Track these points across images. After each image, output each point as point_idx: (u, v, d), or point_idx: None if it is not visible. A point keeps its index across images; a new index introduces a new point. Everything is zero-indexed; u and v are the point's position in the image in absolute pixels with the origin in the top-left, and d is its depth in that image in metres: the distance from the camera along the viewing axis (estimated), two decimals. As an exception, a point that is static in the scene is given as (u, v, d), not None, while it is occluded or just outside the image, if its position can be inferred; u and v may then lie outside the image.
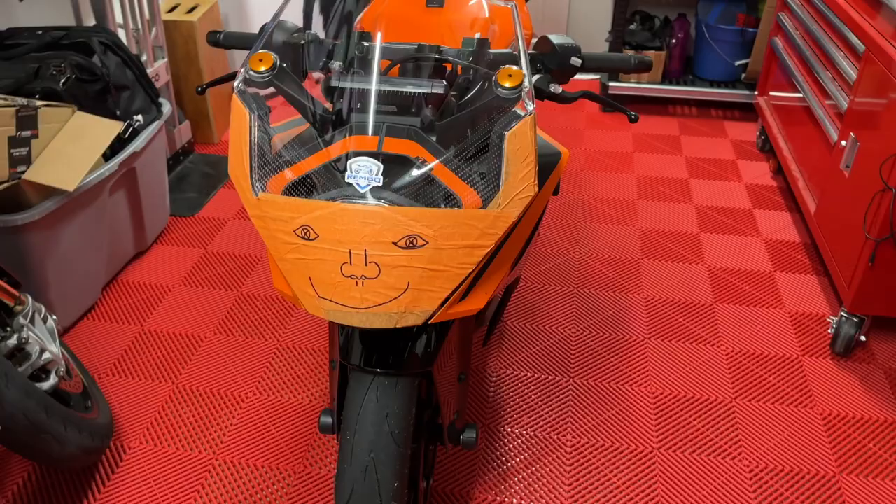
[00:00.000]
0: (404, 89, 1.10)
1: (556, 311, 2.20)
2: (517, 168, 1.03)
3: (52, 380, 1.51)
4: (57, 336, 1.62)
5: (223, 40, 1.34)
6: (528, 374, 1.96)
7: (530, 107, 1.03)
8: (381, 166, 1.00)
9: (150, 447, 1.75)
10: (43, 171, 1.81)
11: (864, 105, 1.97)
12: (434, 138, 1.07)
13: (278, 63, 1.08)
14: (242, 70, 1.08)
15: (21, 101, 1.78)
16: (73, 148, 1.88)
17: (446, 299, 1.04)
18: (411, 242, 0.99)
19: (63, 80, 1.96)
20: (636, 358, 2.02)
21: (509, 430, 1.80)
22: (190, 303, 2.22)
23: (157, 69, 2.65)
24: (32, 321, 1.56)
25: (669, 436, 1.79)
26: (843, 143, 2.07)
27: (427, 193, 1.03)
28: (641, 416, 1.84)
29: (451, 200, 1.05)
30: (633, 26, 3.40)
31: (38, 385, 1.47)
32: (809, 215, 2.30)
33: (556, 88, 1.19)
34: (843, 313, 1.99)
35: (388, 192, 1.00)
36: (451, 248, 1.01)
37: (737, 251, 2.47)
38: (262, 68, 1.07)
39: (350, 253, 0.99)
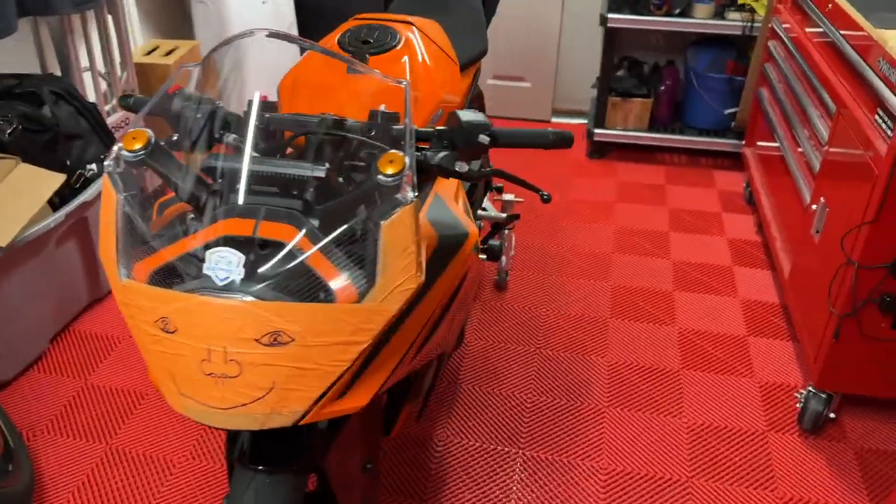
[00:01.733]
0: (282, 171, 1.03)
1: (514, 373, 2.11)
2: (395, 260, 0.95)
3: (-42, 449, 1.45)
4: (-28, 400, 1.57)
5: (134, 105, 1.29)
6: (477, 444, 1.87)
7: (410, 195, 0.96)
8: (243, 258, 0.93)
9: (70, 515, 1.68)
10: (-25, 226, 1.77)
11: (833, 168, 1.88)
12: (317, 223, 1.01)
13: (153, 141, 1.02)
14: (115, 148, 1.02)
15: (-44, 154, 1.75)
16: (11, 201, 1.84)
17: (319, 398, 0.96)
18: (275, 339, 0.92)
19: (9, 131, 1.93)
20: (592, 429, 1.92)
21: (447, 507, 1.71)
22: (137, 356, 2.16)
23: (128, 114, 2.63)
24: (-56, 385, 1.51)
25: (616, 519, 1.68)
26: (814, 206, 1.97)
27: (302, 285, 0.96)
28: (589, 493, 1.74)
29: (330, 292, 0.98)
30: (620, 73, 3.33)
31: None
32: (783, 279, 2.20)
33: (462, 167, 1.12)
34: (810, 388, 1.88)
35: (252, 285, 0.93)
36: (321, 344, 0.94)
37: (711, 313, 2.37)
38: (137, 146, 1.02)
39: (209, 350, 0.92)
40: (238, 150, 1.09)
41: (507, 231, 2.31)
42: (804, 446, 1.88)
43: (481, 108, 2.30)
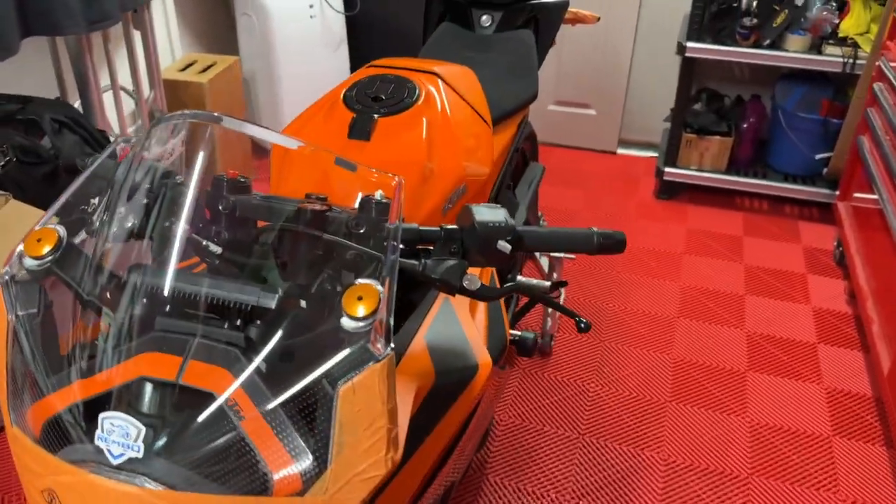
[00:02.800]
0: (217, 294, 0.78)
1: (551, 466, 1.82)
2: (356, 437, 0.69)
3: None
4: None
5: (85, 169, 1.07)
6: (498, 557, 1.60)
7: (382, 350, 0.69)
8: (143, 430, 0.68)
9: None
10: (-50, 273, 1.58)
11: (958, 258, 1.53)
12: (264, 366, 0.75)
13: (65, 242, 0.79)
14: (16, 251, 0.80)
15: (-66, 192, 1.58)
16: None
17: None
18: (184, 543, 0.67)
19: (3, 163, 1.75)
20: (637, 548, 1.62)
21: None
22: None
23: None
24: None
25: None
26: (929, 299, 1.62)
27: (229, 465, 0.70)
28: None
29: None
30: (697, 106, 2.99)
31: None
32: (881, 372, 1.84)
33: (473, 282, 0.85)
34: (913, 525, 1.53)
35: (161, 461, 0.68)
36: (247, 551, 0.68)
37: (790, 402, 2.02)
38: (45, 249, 0.79)
39: (98, 545, 0.68)
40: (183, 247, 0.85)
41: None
42: None
43: (533, 151, 2.01)
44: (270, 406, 0.71)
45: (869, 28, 2.57)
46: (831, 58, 2.59)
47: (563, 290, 2.41)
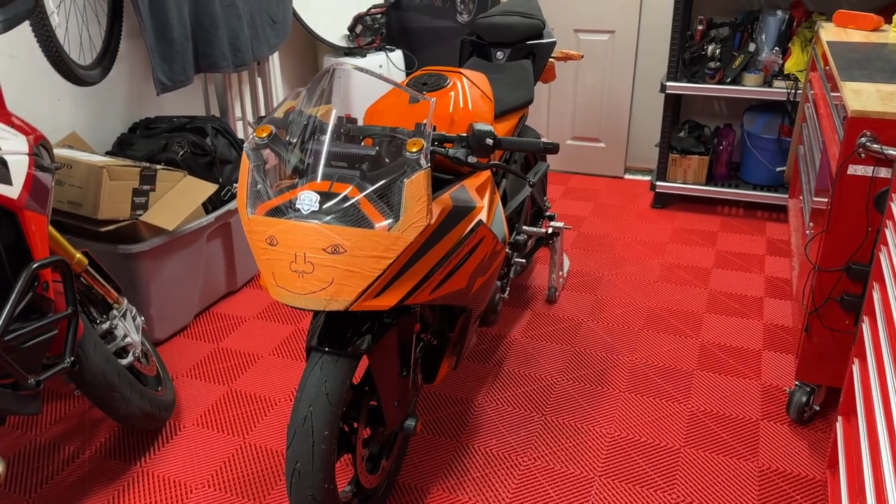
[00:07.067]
0: (348, 151, 1.60)
1: (548, 363, 2.55)
2: (412, 205, 1.49)
3: (129, 358, 2.08)
4: (140, 331, 2.21)
5: (263, 119, 1.92)
6: (508, 409, 2.32)
7: (424, 165, 1.49)
8: (319, 197, 1.49)
9: (198, 429, 2.26)
10: (153, 216, 2.46)
11: (818, 202, 2.26)
12: (368, 184, 1.56)
13: (274, 132, 1.62)
14: (252, 135, 1.63)
15: (145, 164, 2.47)
16: (178, 201, 2.53)
17: (361, 293, 1.49)
18: (335, 249, 1.47)
19: (181, 153, 2.65)
20: (612, 407, 2.33)
21: (475, 447, 2.16)
22: (258, 331, 2.78)
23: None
24: (124, 317, 2.16)
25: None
26: (808, 232, 2.34)
27: (354, 218, 1.50)
28: (593, 448, 2.14)
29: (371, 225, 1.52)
30: (681, 134, 3.77)
31: (118, 359, 2.04)
32: (792, 299, 2.54)
33: (473, 159, 1.65)
34: (796, 382, 2.21)
35: (322, 215, 1.49)
36: (363, 256, 1.47)
37: (735, 331, 2.71)
38: (263, 135, 1.62)
39: (295, 255, 1.48)
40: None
41: (552, 243, 2.80)
42: (791, 433, 2.20)
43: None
44: (370, 194, 1.51)
45: (806, 66, 3.34)
46: (778, 90, 3.37)
47: (568, 260, 3.17)
